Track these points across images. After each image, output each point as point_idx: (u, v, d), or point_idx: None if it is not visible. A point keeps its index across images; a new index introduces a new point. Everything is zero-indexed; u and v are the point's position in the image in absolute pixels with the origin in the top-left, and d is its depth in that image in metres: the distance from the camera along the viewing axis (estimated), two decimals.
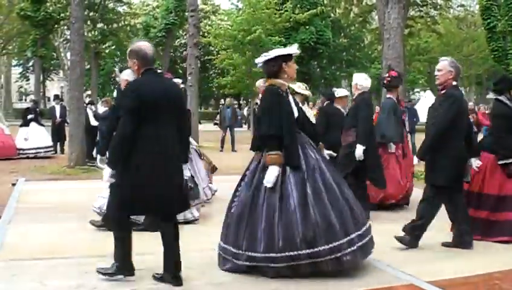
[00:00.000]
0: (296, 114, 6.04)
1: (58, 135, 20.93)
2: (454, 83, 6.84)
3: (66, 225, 8.02)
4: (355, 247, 5.51)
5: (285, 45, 37.39)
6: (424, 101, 52.63)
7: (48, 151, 19.71)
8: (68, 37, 35.15)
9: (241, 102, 61.69)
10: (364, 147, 8.31)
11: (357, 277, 5.68)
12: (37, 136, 19.58)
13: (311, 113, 10.01)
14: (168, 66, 44.69)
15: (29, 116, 19.75)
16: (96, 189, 11.85)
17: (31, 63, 58.70)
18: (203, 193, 8.81)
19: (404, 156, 9.78)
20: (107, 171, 5.28)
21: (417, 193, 8.50)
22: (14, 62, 66.03)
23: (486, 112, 22.24)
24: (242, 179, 6.06)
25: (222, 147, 23.69)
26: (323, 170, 5.79)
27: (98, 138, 17.07)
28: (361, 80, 8.96)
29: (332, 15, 47.96)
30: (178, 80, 8.36)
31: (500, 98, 7.54)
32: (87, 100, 19.18)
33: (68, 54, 36.79)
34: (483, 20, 41.24)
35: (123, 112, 5.27)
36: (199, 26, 27.21)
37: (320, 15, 39.72)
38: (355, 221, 5.64)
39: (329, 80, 46.12)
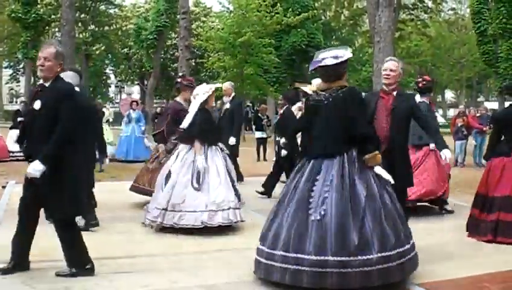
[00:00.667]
0: None
1: None
2: None
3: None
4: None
5: (276, 48, 37.55)
6: None
7: None
8: (59, 39, 35.07)
9: None
10: None
11: None
12: None
13: None
14: (159, 68, 44.65)
15: (20, 119, 19.65)
16: None
17: (21, 65, 58.48)
18: None
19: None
20: None
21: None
22: (4, 64, 65.77)
23: (477, 115, 22.32)
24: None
25: None
26: None
27: None
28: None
29: (323, 18, 48.04)
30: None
31: None
32: None
33: None
34: (473, 23, 41.39)
35: None
36: (190, 28, 27.25)
37: (312, 18, 39.76)
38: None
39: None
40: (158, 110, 29.17)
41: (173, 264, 6.22)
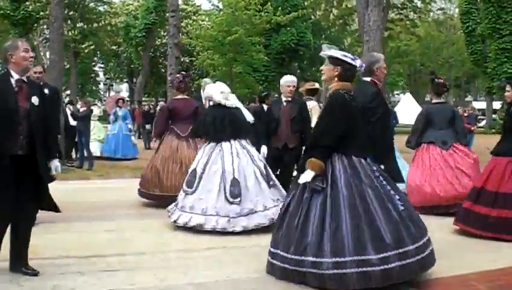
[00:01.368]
0: None
1: None
2: None
3: (43, 225, 7.94)
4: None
5: (265, 46, 37.55)
6: (404, 103, 53.00)
7: None
8: (47, 36, 34.85)
9: None
10: None
11: None
12: None
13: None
14: (148, 66, 44.56)
15: None
16: (74, 190, 11.86)
17: None
18: None
19: None
20: None
21: None
22: None
23: (465, 114, 22.40)
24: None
25: None
26: None
27: (76, 138, 16.99)
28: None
29: (312, 17, 48.09)
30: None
31: None
32: (66, 100, 19.03)
33: (47, 53, 36.53)
34: (462, 23, 41.64)
35: None
36: (180, 26, 27.14)
37: (301, 17, 39.81)
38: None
39: (307, 81, 46.27)
40: (146, 108, 29.17)
41: (161, 263, 6.21)
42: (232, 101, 8.43)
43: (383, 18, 18.80)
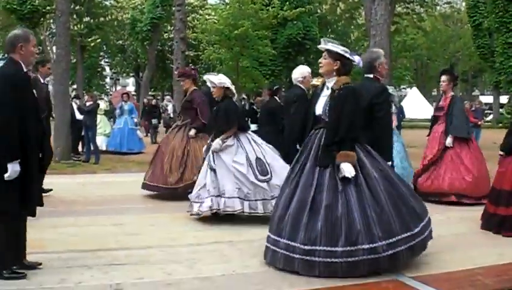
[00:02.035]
0: None
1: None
2: None
3: (51, 219, 7.97)
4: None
5: (272, 40, 37.49)
6: (410, 98, 52.89)
7: None
8: (54, 30, 34.86)
9: None
10: None
11: None
12: None
13: None
14: (154, 60, 44.55)
15: None
16: (80, 184, 11.88)
17: None
18: None
19: None
20: None
21: None
22: None
23: (472, 109, 22.34)
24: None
25: None
26: None
27: (83, 132, 17.02)
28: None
29: (319, 11, 47.96)
30: None
31: None
32: (73, 94, 19.07)
33: (54, 48, 36.55)
34: (469, 17, 41.47)
35: None
36: (186, 21, 27.16)
37: (308, 11, 39.72)
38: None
39: (317, 75, 46.19)
40: (154, 102, 29.18)
41: (168, 256, 6.22)
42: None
43: (390, 12, 18.73)
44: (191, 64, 39.53)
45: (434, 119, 10.51)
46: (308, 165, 5.88)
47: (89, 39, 40.63)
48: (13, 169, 5.19)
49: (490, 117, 46.82)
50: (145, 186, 10.30)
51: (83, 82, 42.47)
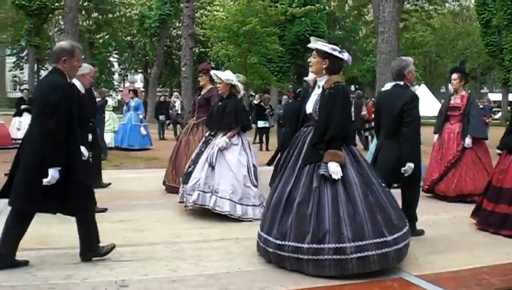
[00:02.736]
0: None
1: None
2: None
3: (57, 215, 7.99)
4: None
5: (280, 37, 37.49)
6: (419, 95, 52.60)
7: None
8: (63, 26, 34.99)
9: None
10: None
11: None
12: None
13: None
14: (162, 56, 44.60)
15: (23, 106, 19.69)
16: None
17: (25, 53, 58.51)
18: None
19: None
20: None
21: None
22: (8, 51, 65.77)
23: (481, 106, 22.24)
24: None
25: None
26: None
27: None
28: None
29: (327, 8, 47.91)
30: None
31: None
32: None
33: None
34: (478, 14, 41.30)
35: None
36: (194, 17, 27.16)
37: (317, 9, 39.70)
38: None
39: None
40: (162, 98, 29.21)
41: (174, 253, 6.24)
42: None
43: (398, 9, 18.68)
44: (207, 62, 39.58)
45: (445, 118, 10.35)
46: (290, 162, 5.93)
47: (98, 36, 40.72)
48: (53, 175, 5.38)
49: (499, 115, 46.63)
50: (168, 188, 10.27)
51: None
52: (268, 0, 33.60)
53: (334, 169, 5.59)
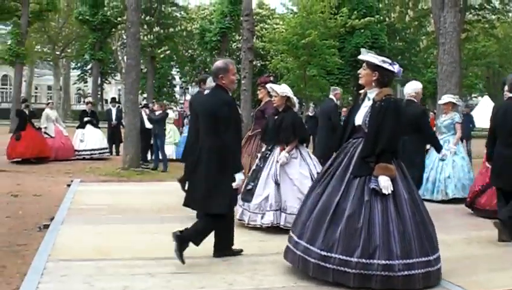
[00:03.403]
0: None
1: (113, 137, 21.30)
2: None
3: (117, 226, 8.14)
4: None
5: (339, 49, 37.35)
6: (482, 107, 51.68)
7: (103, 153, 20.05)
8: (125, 41, 35.71)
9: None
10: None
11: None
12: (93, 138, 19.95)
13: None
14: None
15: (86, 119, 20.14)
16: (148, 191, 12.08)
17: (89, 66, 59.94)
18: None
19: None
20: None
21: None
22: (72, 65, 67.50)
23: None
24: None
25: None
26: None
27: (152, 141, 17.33)
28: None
29: (387, 19, 47.50)
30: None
31: None
32: (143, 103, 19.42)
33: (125, 58, 37.44)
34: None
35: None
36: (253, 30, 27.27)
37: (377, 20, 39.43)
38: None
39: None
40: None
41: (230, 266, 6.25)
42: None
43: (460, 20, 18.37)
44: (268, 75, 39.74)
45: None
46: (338, 173, 5.84)
47: (159, 50, 41.34)
48: (240, 178, 6.23)
49: None
50: None
51: (153, 91, 43.22)
52: (327, 12, 33.59)
53: (385, 184, 5.52)
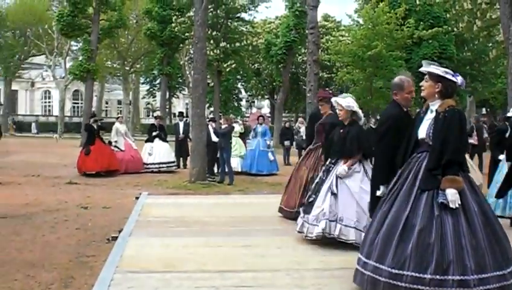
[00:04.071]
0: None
1: (181, 150, 21.62)
2: None
3: (183, 239, 8.25)
4: None
5: (406, 61, 36.91)
6: None
7: (170, 166, 20.38)
8: (192, 55, 36.23)
9: None
10: None
11: None
12: (161, 151, 20.31)
13: None
14: (288, 82, 45.10)
15: (155, 133, 20.53)
16: (214, 204, 12.19)
17: (157, 81, 61.07)
18: None
19: None
20: None
21: None
22: (142, 80, 68.91)
23: None
24: None
25: None
26: None
27: (218, 154, 17.53)
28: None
29: (455, 29, 46.68)
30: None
31: None
32: (210, 116, 19.68)
33: (192, 72, 37.96)
34: None
35: None
36: (319, 43, 27.30)
37: (444, 30, 38.78)
38: None
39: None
40: (287, 124, 29.51)
41: (294, 281, 6.23)
42: None
43: None
44: (327, 88, 39.69)
45: None
46: (404, 188, 5.68)
47: (225, 64, 41.77)
48: (383, 191, 6.20)
49: None
50: (280, 210, 10.41)
51: (219, 105, 43.67)
52: (394, 23, 33.28)
53: (453, 197, 5.36)
